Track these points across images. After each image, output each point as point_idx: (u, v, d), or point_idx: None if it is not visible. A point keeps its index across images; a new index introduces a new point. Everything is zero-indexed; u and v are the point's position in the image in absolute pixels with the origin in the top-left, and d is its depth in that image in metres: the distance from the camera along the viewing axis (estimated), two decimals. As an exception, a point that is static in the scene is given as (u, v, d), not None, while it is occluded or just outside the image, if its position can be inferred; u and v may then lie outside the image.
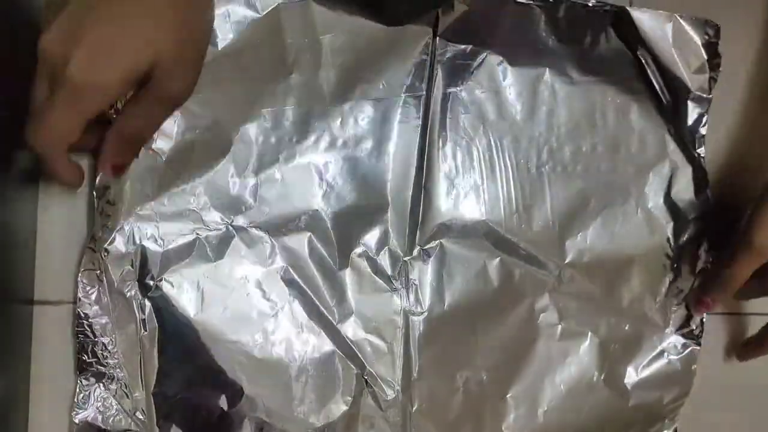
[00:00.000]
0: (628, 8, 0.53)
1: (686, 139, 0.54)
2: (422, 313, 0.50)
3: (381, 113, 0.50)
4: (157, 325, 0.47)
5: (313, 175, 0.49)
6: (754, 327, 0.56)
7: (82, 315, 0.46)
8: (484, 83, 0.51)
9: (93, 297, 0.46)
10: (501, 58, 0.51)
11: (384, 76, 0.50)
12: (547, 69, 0.52)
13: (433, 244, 0.50)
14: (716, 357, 0.56)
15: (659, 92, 0.54)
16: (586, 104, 0.53)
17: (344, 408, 0.49)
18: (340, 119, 0.49)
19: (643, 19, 0.53)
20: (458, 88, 0.51)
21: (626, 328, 0.53)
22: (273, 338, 0.48)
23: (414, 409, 0.49)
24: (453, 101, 0.51)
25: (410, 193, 0.50)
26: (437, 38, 0.50)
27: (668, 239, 0.54)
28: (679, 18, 0.53)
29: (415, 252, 0.50)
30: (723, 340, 0.56)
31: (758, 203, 0.50)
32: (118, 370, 0.46)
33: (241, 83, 0.48)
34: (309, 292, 0.48)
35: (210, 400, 0.47)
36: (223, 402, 0.47)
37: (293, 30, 0.49)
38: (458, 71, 0.51)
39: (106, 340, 0.46)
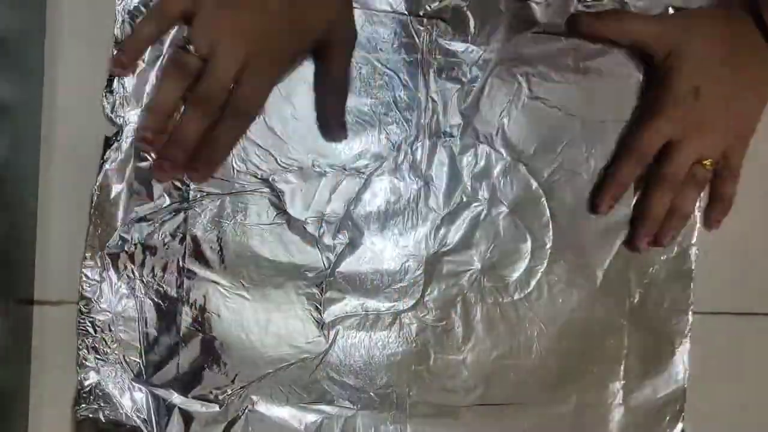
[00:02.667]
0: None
1: None
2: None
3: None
4: (157, 322, 0.47)
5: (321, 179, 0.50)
6: (751, 327, 0.56)
7: (84, 311, 0.46)
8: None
9: (95, 294, 0.47)
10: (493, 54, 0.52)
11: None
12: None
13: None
14: (713, 356, 0.56)
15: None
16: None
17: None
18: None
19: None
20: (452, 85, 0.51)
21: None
22: (272, 333, 0.49)
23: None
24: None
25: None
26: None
27: None
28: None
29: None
30: (720, 339, 0.56)
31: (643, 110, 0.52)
32: (118, 366, 0.47)
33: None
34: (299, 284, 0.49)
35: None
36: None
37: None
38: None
39: (107, 336, 0.47)
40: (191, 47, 0.43)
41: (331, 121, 0.48)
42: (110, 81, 0.47)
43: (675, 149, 0.51)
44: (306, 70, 0.49)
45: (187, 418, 0.47)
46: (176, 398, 0.47)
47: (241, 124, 0.46)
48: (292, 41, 0.45)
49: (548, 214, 0.52)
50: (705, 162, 0.51)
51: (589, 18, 0.52)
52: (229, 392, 0.48)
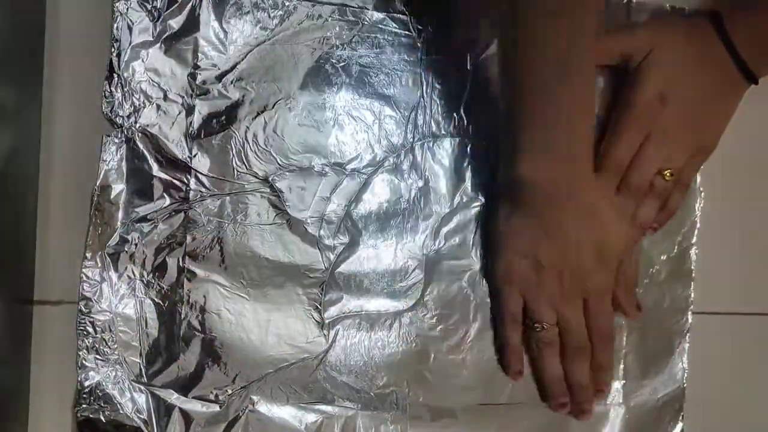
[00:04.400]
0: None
1: None
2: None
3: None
4: (157, 322, 0.47)
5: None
6: (751, 327, 0.56)
7: (84, 311, 0.46)
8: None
9: (94, 294, 0.47)
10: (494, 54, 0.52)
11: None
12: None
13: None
14: (713, 356, 0.56)
15: None
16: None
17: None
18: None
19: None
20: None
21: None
22: (272, 333, 0.49)
23: None
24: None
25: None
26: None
27: None
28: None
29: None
30: (720, 339, 0.56)
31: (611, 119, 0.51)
32: (118, 366, 0.47)
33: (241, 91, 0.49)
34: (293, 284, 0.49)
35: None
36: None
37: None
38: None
39: (107, 336, 0.47)
40: (544, 324, 0.49)
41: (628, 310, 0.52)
42: (110, 81, 0.47)
43: (640, 157, 0.50)
44: (307, 72, 0.49)
45: (187, 418, 0.47)
46: (176, 398, 0.47)
47: (611, 343, 0.52)
48: (617, 257, 0.50)
49: None
50: (665, 172, 0.50)
51: None
52: (230, 392, 0.48)
